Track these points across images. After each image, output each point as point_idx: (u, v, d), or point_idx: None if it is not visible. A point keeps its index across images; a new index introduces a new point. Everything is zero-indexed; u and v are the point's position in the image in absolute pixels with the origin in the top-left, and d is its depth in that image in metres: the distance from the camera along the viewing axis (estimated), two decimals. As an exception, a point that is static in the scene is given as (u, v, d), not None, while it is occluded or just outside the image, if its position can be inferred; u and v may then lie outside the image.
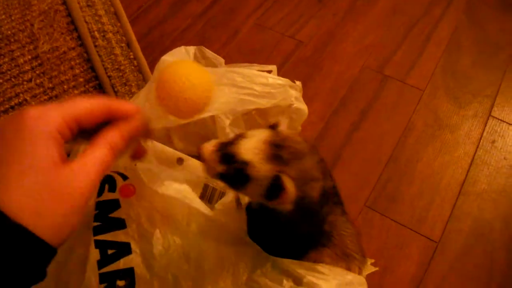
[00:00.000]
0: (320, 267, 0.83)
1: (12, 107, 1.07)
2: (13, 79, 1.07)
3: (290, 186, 0.66)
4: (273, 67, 1.03)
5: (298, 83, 0.99)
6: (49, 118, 0.45)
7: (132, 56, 1.14)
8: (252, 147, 0.68)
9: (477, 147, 1.26)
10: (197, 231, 0.90)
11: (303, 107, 1.01)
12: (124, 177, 0.97)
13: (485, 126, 1.30)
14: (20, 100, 1.08)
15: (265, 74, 1.00)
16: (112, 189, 0.97)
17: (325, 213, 0.78)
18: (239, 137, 0.70)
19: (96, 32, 1.10)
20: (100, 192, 0.96)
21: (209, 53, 1.02)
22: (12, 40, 1.08)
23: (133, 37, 1.12)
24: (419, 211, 1.16)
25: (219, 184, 0.97)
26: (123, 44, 1.13)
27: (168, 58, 0.97)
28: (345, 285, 0.82)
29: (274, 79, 0.98)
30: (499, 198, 1.18)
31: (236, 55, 1.19)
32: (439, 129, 1.29)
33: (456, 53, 1.47)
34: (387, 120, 1.31)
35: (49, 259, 0.42)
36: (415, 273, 1.07)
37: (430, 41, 1.50)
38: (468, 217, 1.15)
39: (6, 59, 1.07)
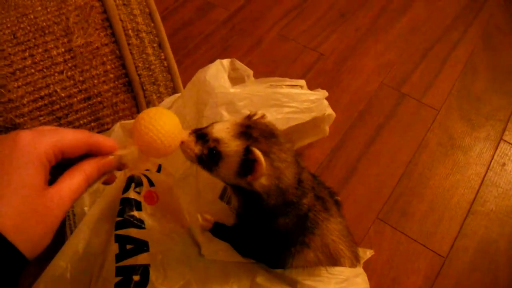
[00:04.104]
0: (316, 270, 0.87)
1: (42, 97, 1.10)
2: (45, 70, 1.10)
3: (260, 156, 0.69)
4: (303, 82, 1.07)
5: (325, 91, 1.04)
6: (40, 145, 0.50)
7: (163, 57, 1.17)
8: (223, 128, 0.74)
9: (488, 168, 1.30)
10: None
11: (332, 112, 1.06)
12: (151, 183, 1.00)
13: (496, 149, 1.34)
14: (50, 91, 1.11)
15: (306, 91, 1.06)
16: (138, 189, 1.00)
17: (305, 205, 0.81)
18: (213, 123, 0.76)
19: (130, 31, 1.13)
20: (126, 189, 0.99)
21: (239, 64, 1.07)
22: (46, 31, 1.10)
23: (165, 38, 1.16)
24: (428, 226, 1.19)
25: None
26: (155, 45, 1.16)
27: (203, 73, 1.02)
28: (342, 283, 0.87)
29: (313, 95, 1.04)
30: (506, 219, 1.22)
31: (259, 63, 1.22)
32: (452, 149, 1.33)
33: (472, 76, 1.51)
34: (402, 137, 1.34)
35: (22, 270, 0.47)
36: (422, 286, 1.10)
37: (447, 62, 1.54)
38: (475, 235, 1.19)
39: (40, 50, 1.09)
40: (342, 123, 1.30)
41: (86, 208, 1.03)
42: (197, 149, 0.73)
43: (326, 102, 1.05)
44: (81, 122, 1.15)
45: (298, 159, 0.80)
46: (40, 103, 1.10)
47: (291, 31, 1.55)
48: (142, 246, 0.93)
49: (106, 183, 0.65)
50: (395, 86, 1.45)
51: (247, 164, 0.71)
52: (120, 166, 0.61)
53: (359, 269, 0.93)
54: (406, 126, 1.37)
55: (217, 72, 1.03)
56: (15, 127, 1.08)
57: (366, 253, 1.04)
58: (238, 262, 0.94)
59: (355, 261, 0.92)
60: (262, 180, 0.73)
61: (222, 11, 1.56)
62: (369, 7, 1.67)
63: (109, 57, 1.14)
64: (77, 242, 0.96)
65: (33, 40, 1.09)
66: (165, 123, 0.65)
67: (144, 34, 1.15)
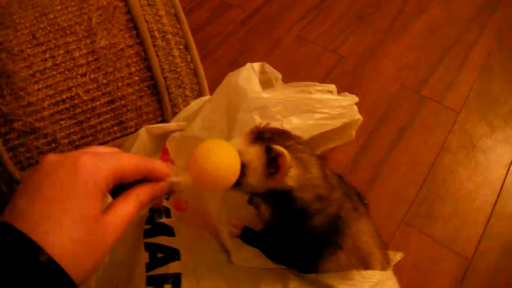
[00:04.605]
0: (349, 274, 0.86)
1: (63, 100, 1.08)
2: (66, 72, 1.07)
3: (282, 149, 0.69)
4: (333, 87, 1.06)
5: (355, 97, 1.03)
6: (101, 171, 0.49)
7: (189, 59, 1.15)
8: (237, 141, 0.74)
9: (508, 170, 1.31)
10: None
11: (360, 116, 1.06)
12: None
13: (516, 151, 1.35)
14: (72, 94, 1.08)
15: (337, 97, 1.04)
16: (166, 196, 0.98)
17: (335, 201, 0.81)
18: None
19: (156, 32, 1.11)
20: None
21: (268, 67, 1.06)
22: (68, 32, 1.07)
23: (192, 40, 1.14)
24: (453, 229, 1.19)
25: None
26: (181, 46, 1.14)
27: (235, 76, 1.00)
28: (374, 286, 0.85)
29: (345, 100, 1.03)
30: (528, 221, 1.23)
31: (279, 65, 1.19)
32: (473, 151, 1.34)
33: (488, 77, 1.52)
34: (424, 139, 1.34)
35: None
36: (449, 288, 1.11)
37: (464, 64, 1.54)
38: (499, 237, 1.19)
39: (61, 51, 1.06)
40: (364, 126, 1.29)
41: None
42: None
43: (356, 108, 1.05)
44: (104, 126, 1.13)
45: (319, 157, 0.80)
46: (61, 107, 1.07)
47: (309, 33, 1.54)
48: (173, 254, 0.91)
49: (153, 208, 0.65)
50: (415, 88, 1.45)
51: (272, 163, 0.71)
52: (170, 192, 0.61)
53: (390, 273, 0.92)
54: (427, 128, 1.37)
55: (249, 76, 1.00)
56: (34, 131, 1.05)
57: (396, 256, 1.04)
58: (269, 269, 0.93)
59: (385, 264, 0.92)
60: (291, 173, 0.72)
61: (239, 11, 1.55)
62: (386, 10, 1.67)
63: (134, 59, 1.11)
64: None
65: (53, 41, 1.06)
66: (223, 156, 0.64)
67: (170, 36, 1.13)
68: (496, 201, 1.25)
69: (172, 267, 0.89)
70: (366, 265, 0.88)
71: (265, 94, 1.02)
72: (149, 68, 1.13)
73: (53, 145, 1.06)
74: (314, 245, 0.85)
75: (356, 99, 1.04)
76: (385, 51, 1.54)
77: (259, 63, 1.03)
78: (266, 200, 0.83)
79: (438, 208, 1.22)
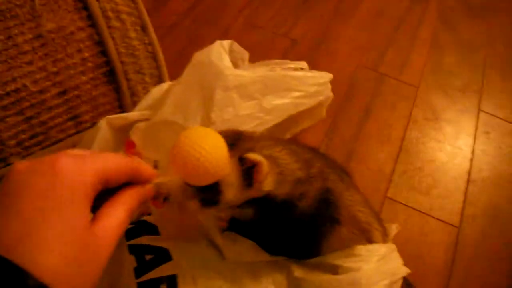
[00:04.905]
0: (353, 250, 0.79)
1: (8, 94, 0.92)
2: (9, 61, 0.91)
3: (258, 158, 0.62)
4: (304, 64, 1.01)
5: (329, 74, 0.98)
6: (85, 175, 0.42)
7: (147, 41, 1.03)
8: None
9: (475, 138, 1.32)
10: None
11: (331, 94, 1.00)
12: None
13: (478, 119, 1.37)
14: (18, 86, 0.93)
15: (314, 74, 0.97)
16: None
17: (317, 176, 0.73)
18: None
19: (109, 12, 0.99)
20: None
21: (236, 46, 0.98)
22: (8, 15, 0.92)
23: (148, 20, 1.02)
24: (436, 199, 1.17)
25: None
26: (138, 28, 1.02)
27: (206, 54, 0.90)
28: (382, 259, 0.79)
29: (321, 77, 0.97)
30: (502, 183, 1.24)
31: (232, 52, 1.15)
32: (438, 122, 1.34)
33: (440, 53, 1.56)
34: (391, 114, 1.34)
35: None
36: (443, 258, 1.08)
37: (414, 41, 1.57)
38: (479, 202, 1.19)
39: (1, 37, 0.91)
40: (330, 107, 1.25)
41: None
42: (193, 202, 0.64)
43: (329, 85, 0.99)
44: (56, 121, 0.98)
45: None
46: (6, 101, 0.91)
47: (257, 19, 1.49)
48: (163, 254, 0.78)
49: (142, 213, 0.59)
50: (371, 67, 1.44)
51: (247, 173, 0.63)
52: (157, 195, 0.53)
53: (393, 245, 0.86)
54: (391, 104, 1.36)
55: (220, 53, 0.91)
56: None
57: (392, 228, 0.98)
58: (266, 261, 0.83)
59: (385, 235, 0.86)
60: (268, 179, 0.64)
61: (181, 2, 1.46)
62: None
63: (86, 43, 0.98)
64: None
65: (-9, 27, 0.91)
66: (212, 144, 0.55)
67: (125, 16, 1.01)
68: (470, 168, 1.25)
69: (165, 269, 0.76)
70: (368, 237, 0.81)
71: (242, 72, 0.94)
72: (104, 52, 1.00)
73: (-1, 147, 0.90)
74: (310, 227, 0.77)
75: (330, 75, 0.98)
76: (336, 34, 1.52)
77: (229, 41, 0.95)
78: (245, 206, 0.74)
79: (418, 180, 1.20)
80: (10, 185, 0.40)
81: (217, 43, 0.92)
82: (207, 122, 0.85)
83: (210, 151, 0.53)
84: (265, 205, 0.69)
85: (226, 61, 0.93)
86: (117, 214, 0.45)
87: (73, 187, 0.40)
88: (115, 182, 0.46)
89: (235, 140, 0.65)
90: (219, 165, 0.55)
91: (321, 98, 0.96)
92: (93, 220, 0.43)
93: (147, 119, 0.94)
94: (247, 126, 0.86)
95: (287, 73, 0.95)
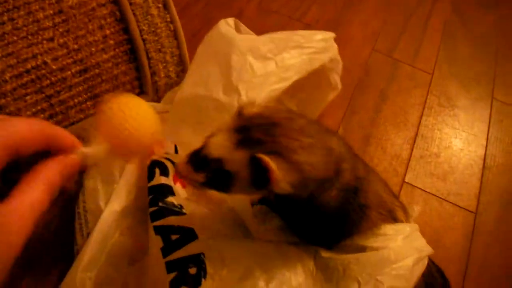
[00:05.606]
0: (379, 230, 0.79)
1: (28, 71, 0.90)
2: (29, 37, 0.89)
3: (269, 162, 0.57)
4: (332, 34, 1.02)
5: (331, 33, 1.03)
6: None
7: (168, 19, 1.01)
8: (219, 142, 0.61)
9: (489, 125, 1.32)
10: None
11: (340, 59, 1.04)
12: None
13: (491, 107, 1.37)
14: (38, 63, 0.91)
15: (316, 31, 1.01)
16: (164, 173, 0.85)
17: (347, 172, 0.71)
18: (208, 138, 0.63)
19: (131, -12, 0.97)
20: (151, 177, 0.84)
21: (242, 26, 0.99)
22: (28, -10, 0.90)
23: (170, -3, 1.01)
24: (453, 185, 1.17)
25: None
26: (160, 5, 1.00)
27: (216, 30, 0.93)
28: (408, 237, 0.80)
29: (325, 34, 1.01)
30: (518, 170, 1.25)
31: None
32: (453, 109, 1.34)
33: (452, 43, 1.54)
34: (406, 100, 1.34)
35: None
36: (461, 242, 1.08)
37: (426, 31, 1.56)
38: (496, 189, 1.19)
39: (22, 13, 0.89)
40: (346, 91, 1.25)
41: (102, 203, 0.84)
42: (200, 177, 0.61)
43: (335, 45, 1.02)
44: (76, 101, 0.96)
45: (320, 128, 0.70)
46: (25, 79, 0.89)
47: (271, 4, 1.48)
48: (188, 234, 0.77)
49: (64, 191, 0.50)
50: (386, 52, 1.43)
51: (260, 172, 0.59)
52: (83, 168, 0.47)
53: (415, 224, 0.86)
54: (406, 89, 1.36)
55: (228, 28, 0.94)
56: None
57: (414, 209, 0.98)
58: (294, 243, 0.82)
59: (407, 214, 0.86)
60: (283, 184, 0.60)
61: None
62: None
63: (108, 20, 0.96)
64: (101, 245, 0.80)
65: (11, 1, 0.88)
66: (139, 112, 0.51)
67: (147, -8, 0.99)
68: (485, 155, 1.25)
69: (191, 248, 0.75)
70: (393, 215, 0.81)
71: (251, 36, 0.97)
72: (125, 30, 0.98)
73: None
74: (337, 217, 0.76)
75: (333, 34, 1.03)
76: (349, 20, 1.51)
77: (231, 19, 0.96)
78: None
79: (435, 166, 1.20)
80: None
81: (222, 21, 0.95)
82: (229, 88, 0.86)
83: (135, 117, 0.50)
84: (285, 200, 0.68)
85: (234, 32, 0.95)
86: (35, 191, 0.39)
87: None
88: (27, 151, 0.40)
89: (266, 131, 0.61)
90: (145, 134, 0.51)
91: (330, 55, 0.99)
92: (7, 197, 0.38)
93: (166, 112, 0.93)
94: (267, 85, 0.87)
95: (294, 32, 0.99)
